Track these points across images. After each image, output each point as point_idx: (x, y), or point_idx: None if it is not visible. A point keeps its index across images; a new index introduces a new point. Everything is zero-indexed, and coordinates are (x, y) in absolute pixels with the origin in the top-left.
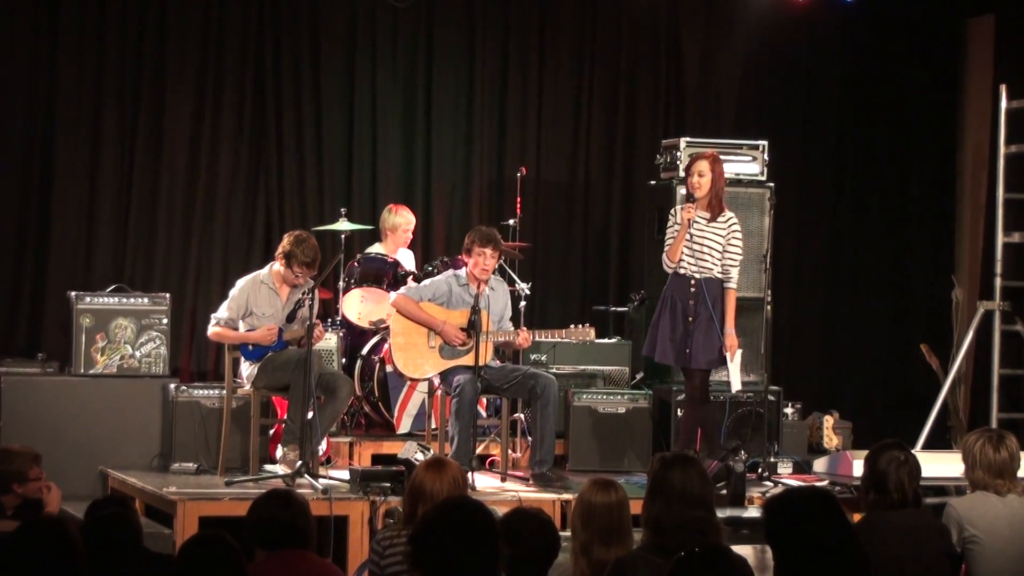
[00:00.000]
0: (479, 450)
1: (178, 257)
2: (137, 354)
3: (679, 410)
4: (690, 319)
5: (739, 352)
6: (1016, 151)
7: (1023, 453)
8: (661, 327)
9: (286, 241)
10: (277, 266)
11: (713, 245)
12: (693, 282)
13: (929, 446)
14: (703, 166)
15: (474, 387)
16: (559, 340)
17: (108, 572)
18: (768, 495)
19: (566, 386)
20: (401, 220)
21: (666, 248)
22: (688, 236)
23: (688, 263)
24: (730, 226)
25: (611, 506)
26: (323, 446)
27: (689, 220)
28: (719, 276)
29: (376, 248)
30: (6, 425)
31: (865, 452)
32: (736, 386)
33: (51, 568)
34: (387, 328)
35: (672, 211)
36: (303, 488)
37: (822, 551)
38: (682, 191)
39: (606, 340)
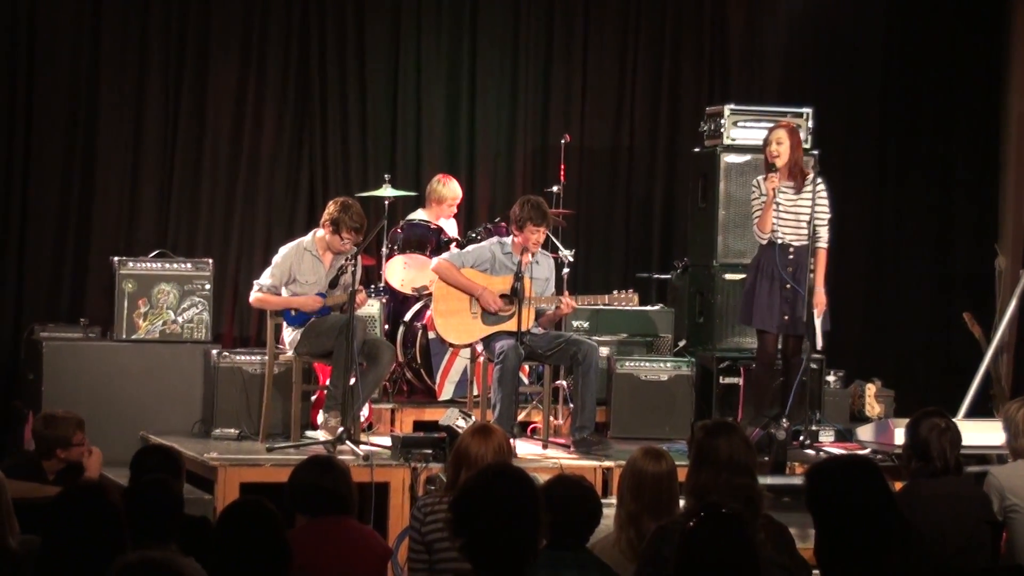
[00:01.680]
0: (521, 417)
1: (221, 223)
2: (179, 319)
3: (721, 377)
4: (788, 286)
5: (826, 312)
6: None
7: None
8: (758, 294)
9: (332, 208)
10: (321, 233)
11: (803, 213)
12: (791, 251)
13: (971, 414)
14: (781, 134)
15: (517, 354)
16: (602, 306)
17: (149, 537)
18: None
19: (609, 353)
20: (448, 192)
21: (755, 220)
22: (776, 205)
23: (784, 232)
24: (818, 190)
25: (661, 476)
26: (365, 412)
27: (774, 190)
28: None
29: (419, 215)
30: (48, 390)
31: (907, 420)
32: (819, 344)
33: (92, 533)
34: (430, 295)
35: (755, 182)
36: (344, 455)
37: (863, 519)
38: (726, 159)
39: (649, 307)
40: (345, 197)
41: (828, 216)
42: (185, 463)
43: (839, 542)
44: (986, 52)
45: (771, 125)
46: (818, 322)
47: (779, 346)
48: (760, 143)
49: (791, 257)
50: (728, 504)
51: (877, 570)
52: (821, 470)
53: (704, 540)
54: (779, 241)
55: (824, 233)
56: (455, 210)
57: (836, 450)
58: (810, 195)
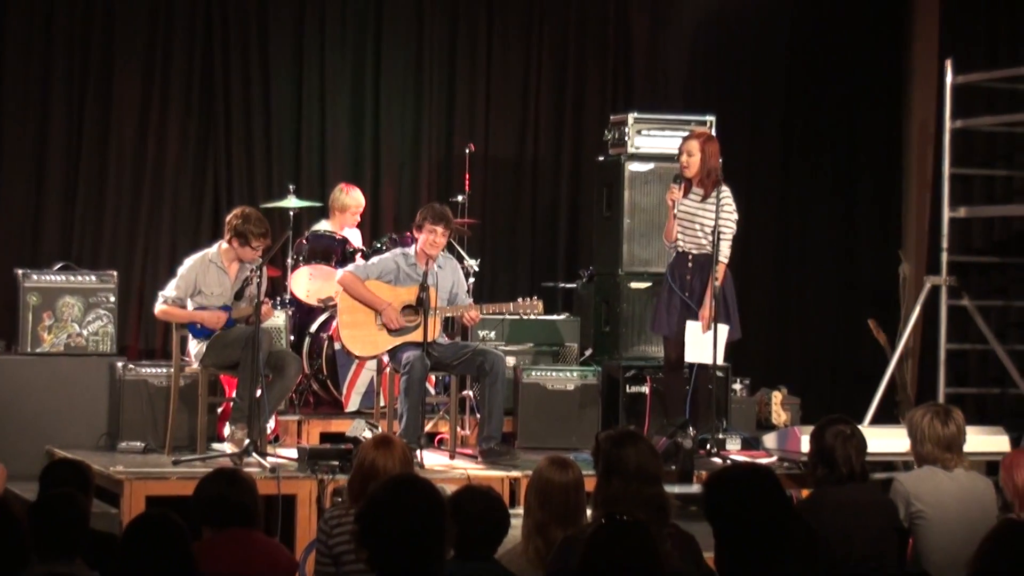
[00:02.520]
0: (428, 427)
1: (126, 235)
2: (84, 332)
3: (627, 386)
4: (686, 293)
5: (724, 327)
6: (961, 126)
7: (968, 428)
8: (660, 301)
9: (232, 220)
10: (225, 245)
11: (707, 222)
12: (690, 258)
13: (877, 421)
14: (692, 145)
15: (423, 364)
16: (508, 315)
17: (55, 552)
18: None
19: (515, 363)
20: (351, 201)
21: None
22: (676, 215)
23: (685, 240)
24: (722, 200)
25: (568, 485)
26: (271, 424)
27: (673, 201)
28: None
29: (324, 225)
30: None
31: (812, 428)
32: (689, 357)
33: None
34: (335, 306)
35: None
36: (251, 467)
37: (760, 528)
38: (631, 167)
39: (555, 316)
40: (241, 207)
41: (731, 231)
42: (94, 477)
43: (738, 551)
44: (888, 59)
45: (679, 133)
46: (716, 335)
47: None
48: (664, 151)
49: (690, 265)
50: (635, 513)
51: None
52: (718, 480)
53: (606, 549)
54: (680, 249)
55: (725, 248)
56: (359, 219)
57: (743, 458)
58: (713, 204)
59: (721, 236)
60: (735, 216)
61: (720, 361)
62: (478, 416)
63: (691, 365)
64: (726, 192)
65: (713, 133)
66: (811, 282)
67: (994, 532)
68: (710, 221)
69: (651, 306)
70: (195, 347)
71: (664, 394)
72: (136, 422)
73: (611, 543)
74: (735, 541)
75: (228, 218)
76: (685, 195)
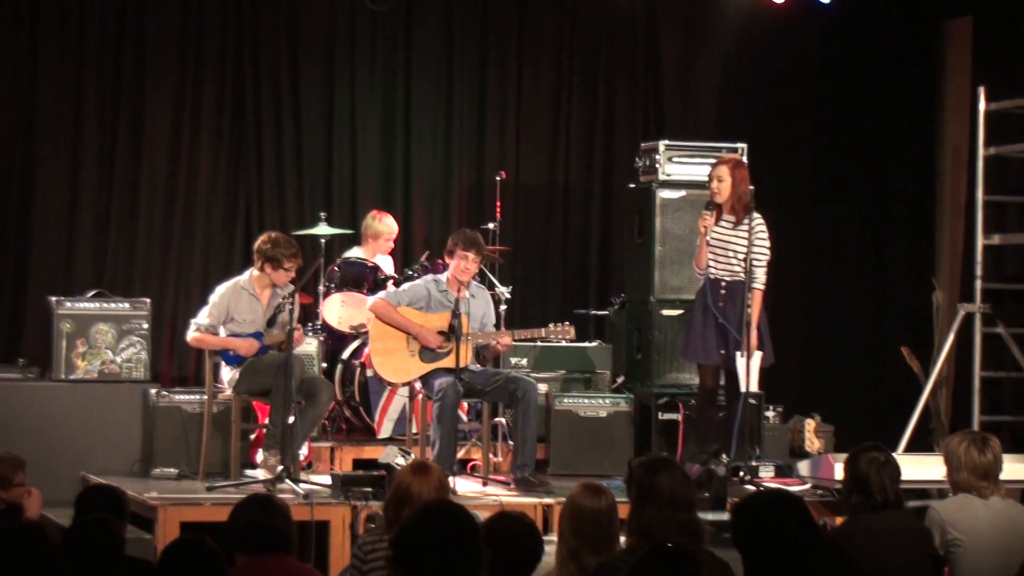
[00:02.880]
0: (460, 454)
1: (158, 262)
2: (118, 359)
3: (660, 414)
4: (720, 321)
5: (758, 354)
6: (995, 153)
7: (1004, 455)
8: (693, 328)
9: (261, 246)
10: (256, 272)
11: (739, 249)
12: (723, 284)
13: (911, 449)
14: (722, 171)
15: (455, 391)
16: (539, 341)
17: None
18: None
19: (547, 390)
20: (384, 228)
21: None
22: (709, 241)
23: (717, 267)
24: (755, 227)
25: (601, 511)
26: (304, 451)
27: (705, 228)
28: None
29: (356, 252)
30: None
31: (846, 455)
32: (752, 386)
33: (30, 574)
34: (367, 332)
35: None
36: (284, 493)
37: (788, 554)
38: (662, 194)
39: (587, 344)
40: (266, 232)
41: (766, 258)
42: (129, 503)
43: None
44: (920, 87)
45: (709, 160)
46: (749, 362)
47: (721, 381)
48: (695, 178)
49: (723, 292)
50: (668, 539)
51: None
52: (745, 506)
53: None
54: (712, 276)
55: (760, 275)
56: (392, 245)
57: (776, 486)
58: (746, 231)
59: (755, 263)
60: (768, 243)
61: (755, 388)
62: (510, 443)
63: (737, 393)
64: (759, 219)
65: (745, 160)
66: (844, 309)
67: None
68: (743, 248)
69: (683, 333)
70: (228, 374)
71: (696, 422)
72: (169, 449)
73: (658, 570)
74: (764, 567)
75: (256, 245)
76: (716, 222)
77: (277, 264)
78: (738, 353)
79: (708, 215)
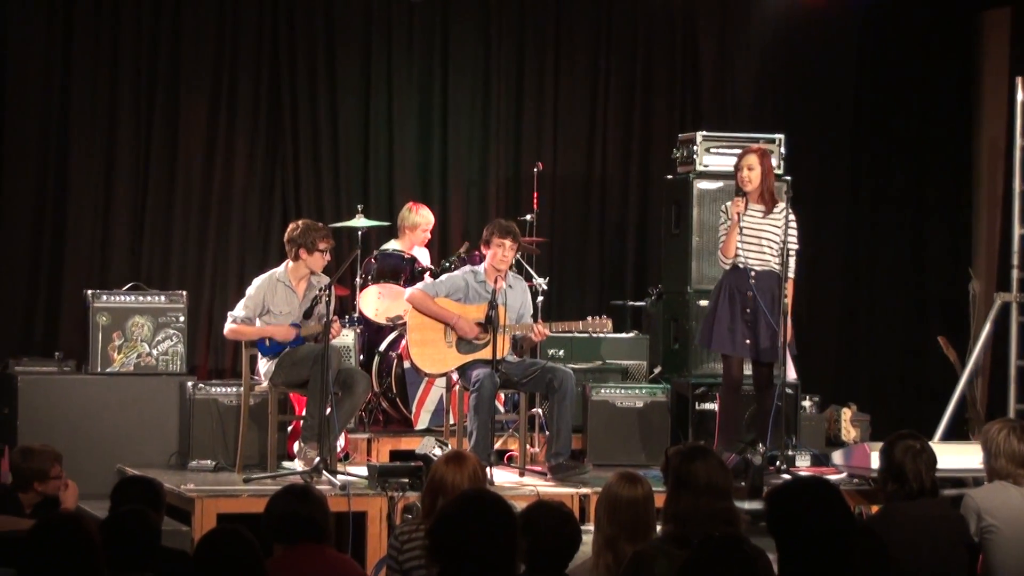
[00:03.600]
0: (497, 445)
1: (194, 255)
2: (154, 352)
3: (696, 404)
4: (748, 311)
5: (793, 338)
6: None
7: None
8: (719, 318)
9: (292, 234)
10: (292, 264)
11: (771, 237)
12: (753, 274)
13: (947, 438)
14: (752, 160)
15: (492, 382)
16: (576, 333)
17: (126, 568)
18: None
19: (584, 381)
20: (421, 219)
21: (720, 244)
22: (740, 230)
23: (747, 256)
24: (787, 217)
25: (637, 500)
26: (341, 442)
27: (739, 215)
28: (776, 268)
29: (392, 244)
30: (24, 424)
31: (882, 444)
32: (792, 376)
33: (68, 565)
34: (404, 324)
35: (724, 207)
36: (321, 484)
37: (822, 540)
38: (699, 185)
39: (624, 335)
40: (294, 222)
41: (797, 247)
42: (166, 495)
43: (801, 564)
44: (957, 77)
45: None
46: (787, 352)
47: (746, 371)
48: (732, 169)
49: (752, 281)
50: (705, 528)
51: None
52: (780, 492)
53: (708, 565)
54: (740, 265)
55: (793, 264)
56: (428, 236)
57: (811, 474)
58: (776, 220)
59: (789, 253)
60: (798, 233)
61: (792, 378)
62: (547, 433)
63: (770, 383)
64: (789, 209)
65: (783, 151)
66: (881, 299)
67: None
68: (773, 237)
69: (703, 323)
70: (264, 366)
71: (723, 412)
72: (206, 441)
73: (713, 560)
74: (798, 554)
75: (286, 236)
76: (745, 210)
77: (312, 247)
78: (778, 343)
79: (740, 201)
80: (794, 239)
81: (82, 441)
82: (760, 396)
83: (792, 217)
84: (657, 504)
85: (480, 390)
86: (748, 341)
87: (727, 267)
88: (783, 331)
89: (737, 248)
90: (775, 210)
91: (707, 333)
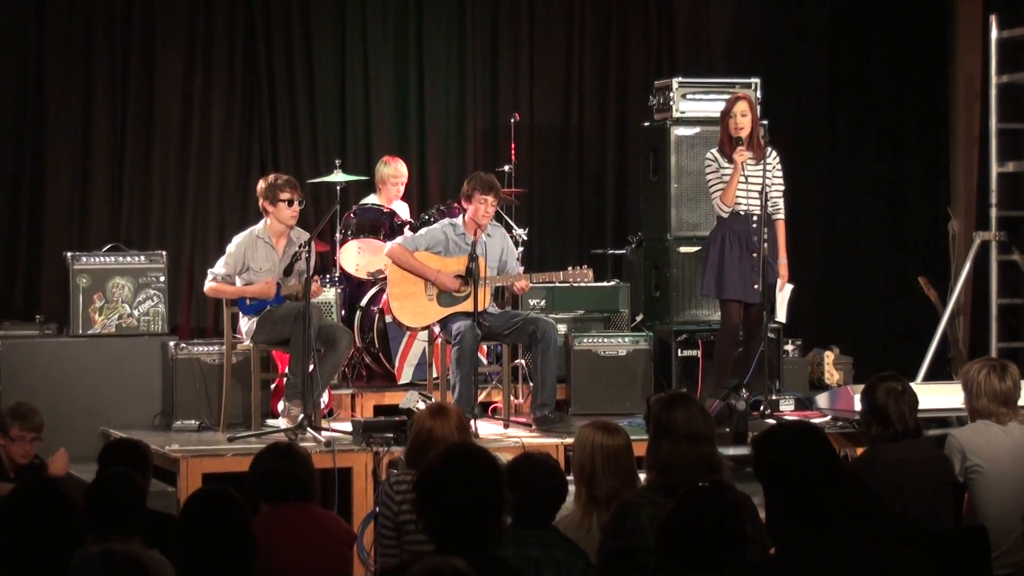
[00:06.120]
0: (481, 397)
1: (174, 214)
2: (135, 313)
3: (680, 351)
4: (754, 255)
5: (789, 286)
6: (1008, 80)
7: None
8: (728, 265)
9: (261, 189)
10: (268, 220)
11: (758, 183)
12: (755, 219)
13: (930, 378)
14: (744, 106)
15: (474, 334)
16: (557, 283)
17: (113, 530)
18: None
19: (567, 330)
20: (390, 171)
21: (716, 193)
22: (744, 178)
23: (749, 202)
24: (774, 160)
25: (618, 449)
26: (325, 399)
27: (742, 163)
28: (770, 211)
29: (371, 199)
30: (6, 388)
31: (864, 386)
32: (781, 316)
33: (47, 529)
34: (385, 279)
35: (710, 155)
36: (306, 442)
37: (809, 484)
38: (676, 132)
39: (605, 283)
40: (261, 178)
41: (783, 188)
42: (153, 457)
43: (788, 508)
44: (932, 16)
45: (723, 97)
46: (783, 293)
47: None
48: (709, 115)
49: (754, 226)
50: (687, 473)
51: (829, 536)
52: (765, 437)
53: (693, 513)
54: (743, 212)
55: (782, 205)
56: (402, 189)
57: (795, 419)
58: (769, 166)
59: (778, 195)
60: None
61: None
62: (531, 384)
63: (762, 327)
64: (774, 153)
65: (759, 95)
66: (860, 241)
67: None
68: (767, 182)
69: (704, 271)
70: (246, 324)
71: (717, 358)
72: (190, 401)
73: (697, 507)
74: (784, 499)
75: (258, 190)
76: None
77: (275, 199)
78: (787, 285)
79: (744, 150)
80: (780, 180)
81: (65, 404)
82: (748, 337)
83: (775, 158)
84: (640, 452)
85: (462, 343)
86: (756, 286)
87: (725, 215)
88: (780, 271)
89: (737, 195)
90: (768, 156)
91: (717, 281)
